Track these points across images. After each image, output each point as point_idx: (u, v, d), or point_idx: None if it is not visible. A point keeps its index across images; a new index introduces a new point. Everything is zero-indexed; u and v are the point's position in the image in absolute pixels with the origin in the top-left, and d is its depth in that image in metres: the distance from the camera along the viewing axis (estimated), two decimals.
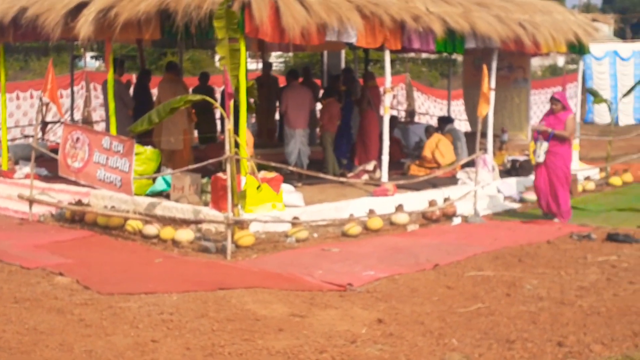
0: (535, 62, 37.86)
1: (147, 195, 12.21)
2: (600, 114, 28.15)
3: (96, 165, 11.76)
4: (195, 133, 17.39)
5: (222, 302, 7.96)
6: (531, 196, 13.50)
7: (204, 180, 11.91)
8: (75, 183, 12.48)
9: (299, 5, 11.32)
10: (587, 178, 16.17)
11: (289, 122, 14.62)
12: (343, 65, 20.23)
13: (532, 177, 13.42)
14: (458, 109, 24.02)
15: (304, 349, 6.63)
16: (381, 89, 14.38)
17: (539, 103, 25.82)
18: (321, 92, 17.51)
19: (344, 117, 15.43)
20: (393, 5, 12.48)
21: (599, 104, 21.41)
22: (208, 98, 11.13)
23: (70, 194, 12.67)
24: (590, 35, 16.48)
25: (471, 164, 13.61)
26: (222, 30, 10.44)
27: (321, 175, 12.49)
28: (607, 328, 7.20)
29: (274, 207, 11.35)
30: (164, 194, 12.24)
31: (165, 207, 11.55)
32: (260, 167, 11.46)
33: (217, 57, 29.88)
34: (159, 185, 12.34)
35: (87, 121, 20.97)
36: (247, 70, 11.60)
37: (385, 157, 12.95)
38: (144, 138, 12.95)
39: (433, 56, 31.67)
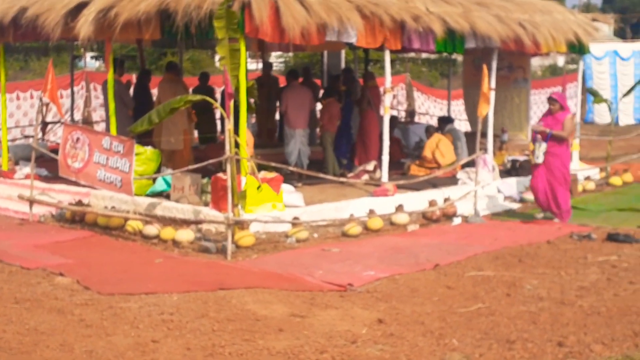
0: (535, 62, 37.87)
1: (148, 195, 12.21)
2: (601, 114, 28.15)
3: (96, 166, 11.76)
4: (196, 133, 17.39)
5: (222, 303, 7.97)
6: (531, 196, 13.48)
7: (204, 180, 11.91)
8: (76, 183, 12.48)
9: (299, 5, 11.33)
10: (587, 178, 16.18)
11: (289, 122, 14.63)
12: (343, 65, 20.23)
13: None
14: (458, 109, 24.03)
15: (304, 349, 6.63)
16: (381, 89, 14.38)
17: (539, 103, 25.81)
18: (321, 92, 17.51)
19: (344, 117, 15.44)
20: (393, 5, 12.49)
21: (599, 103, 21.42)
22: (208, 98, 11.14)
23: (70, 195, 12.67)
24: (590, 35, 16.49)
25: (471, 164, 13.62)
26: (222, 30, 10.44)
27: (321, 175, 12.50)
28: (607, 328, 7.20)
29: (274, 208, 11.36)
30: (164, 194, 12.24)
31: (166, 208, 11.56)
32: (260, 167, 11.46)
33: (217, 57, 29.90)
34: (159, 185, 12.35)
35: (87, 121, 20.97)
36: (247, 71, 11.60)
37: (386, 157, 12.96)
38: (144, 138, 12.95)
39: (433, 56, 31.68)
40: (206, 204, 11.55)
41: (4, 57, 14.88)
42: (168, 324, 7.29)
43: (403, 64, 33.04)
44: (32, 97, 21.45)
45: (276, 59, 33.83)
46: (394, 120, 17.37)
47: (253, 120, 18.59)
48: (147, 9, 11.35)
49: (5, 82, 15.04)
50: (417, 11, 12.78)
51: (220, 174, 11.14)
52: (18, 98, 21.23)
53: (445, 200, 12.80)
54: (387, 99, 13.13)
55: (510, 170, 15.55)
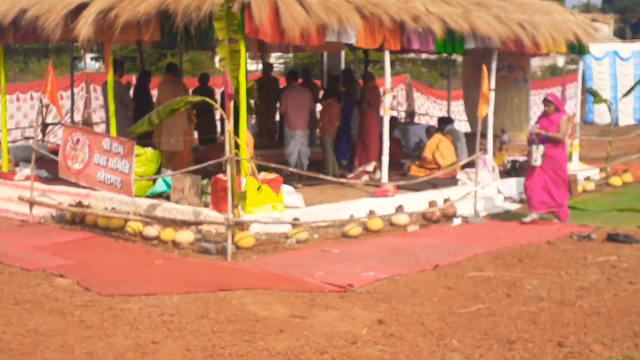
0: (535, 63, 37.87)
1: (148, 196, 12.22)
2: (600, 114, 28.16)
3: (96, 167, 11.76)
4: (195, 134, 17.40)
5: (222, 304, 7.97)
6: None
7: (204, 181, 11.92)
8: (76, 185, 12.48)
9: (299, 6, 11.34)
10: (587, 178, 16.18)
11: (289, 123, 14.63)
12: (343, 66, 20.23)
13: None
14: (458, 110, 24.04)
15: (304, 350, 6.63)
16: (381, 90, 14.39)
17: (538, 103, 25.77)
18: (321, 93, 17.52)
19: (344, 117, 15.44)
20: (392, 6, 12.49)
21: (598, 104, 21.44)
22: (208, 99, 11.14)
23: (70, 196, 12.67)
24: (590, 35, 16.49)
25: (471, 164, 13.62)
26: (222, 31, 10.45)
27: (321, 176, 12.50)
28: (607, 328, 7.21)
29: (274, 208, 11.36)
30: (164, 196, 12.25)
31: (166, 209, 11.56)
32: (260, 168, 11.47)
33: (217, 58, 29.89)
34: (159, 186, 12.35)
35: (87, 122, 20.97)
36: (246, 71, 11.61)
37: (385, 158, 12.96)
38: (144, 139, 12.94)
39: (433, 57, 31.73)
40: (206, 205, 11.55)
41: (3, 58, 14.89)
42: (168, 325, 7.29)
43: (403, 65, 33.05)
44: (32, 98, 21.44)
45: (276, 59, 33.83)
46: (393, 120, 17.37)
47: (253, 121, 18.60)
48: (146, 10, 11.35)
49: (5, 84, 15.05)
50: (417, 12, 12.79)
51: (220, 175, 11.15)
52: (18, 99, 21.23)
53: (445, 200, 12.81)
54: (386, 100, 13.14)
55: (510, 170, 15.56)
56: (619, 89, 27.49)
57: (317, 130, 16.34)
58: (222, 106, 10.62)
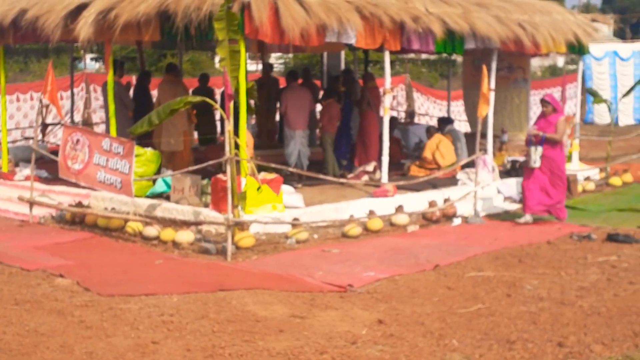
0: (535, 63, 37.88)
1: (147, 196, 12.23)
2: (600, 114, 28.16)
3: (96, 167, 11.76)
4: (195, 134, 17.40)
5: (222, 304, 7.98)
6: None
7: (204, 181, 11.93)
8: (76, 185, 12.48)
9: (299, 7, 11.34)
10: (587, 178, 16.19)
11: (289, 123, 14.63)
12: (343, 66, 20.24)
13: None
14: (458, 110, 24.04)
15: (304, 349, 6.64)
16: (381, 90, 14.39)
17: (538, 103, 25.79)
18: (321, 93, 17.53)
19: (344, 118, 15.45)
20: (392, 6, 12.50)
21: (598, 104, 21.44)
22: (208, 99, 11.15)
23: (70, 196, 12.68)
24: (589, 35, 16.50)
25: (471, 164, 13.62)
26: (222, 32, 10.45)
27: (321, 176, 12.51)
28: (607, 328, 7.22)
29: (274, 209, 11.37)
30: (164, 196, 12.25)
31: (166, 209, 11.57)
32: (260, 169, 11.48)
33: (217, 59, 29.89)
34: (159, 186, 12.36)
35: (87, 123, 20.98)
36: (246, 72, 11.61)
37: (385, 158, 12.96)
38: (144, 139, 12.94)
39: (433, 57, 31.72)
40: (206, 205, 11.56)
41: (3, 59, 14.90)
42: (168, 325, 7.29)
43: (403, 65, 33.06)
44: (32, 98, 21.45)
45: (276, 60, 33.84)
46: (393, 121, 17.37)
47: (253, 121, 18.61)
48: (146, 11, 11.35)
49: (5, 84, 15.06)
50: (417, 12, 12.79)
51: (220, 175, 11.15)
52: (18, 100, 21.25)
53: (445, 201, 12.81)
54: (386, 100, 13.14)
55: (510, 170, 15.57)
56: (618, 89, 27.50)
57: (317, 131, 16.35)
58: (222, 106, 10.63)
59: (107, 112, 13.70)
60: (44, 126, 18.61)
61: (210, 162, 11.27)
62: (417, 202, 12.79)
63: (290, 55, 31.36)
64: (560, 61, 43.40)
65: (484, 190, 13.44)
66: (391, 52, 13.02)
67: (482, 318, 7.55)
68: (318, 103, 16.68)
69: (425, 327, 7.28)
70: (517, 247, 10.70)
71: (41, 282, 8.87)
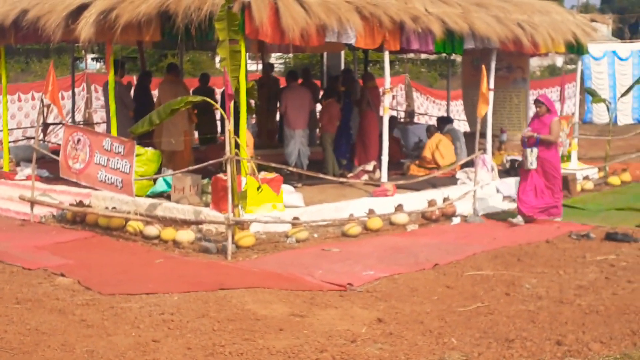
0: (534, 62, 37.87)
1: (148, 196, 12.25)
2: (599, 114, 28.16)
3: (97, 167, 11.80)
4: (196, 134, 17.42)
5: (222, 302, 8.00)
6: None
7: (205, 181, 11.95)
8: (77, 184, 12.51)
9: (299, 7, 11.37)
10: (586, 177, 16.20)
11: (289, 123, 14.66)
12: (343, 66, 20.26)
13: None
14: (457, 110, 24.06)
15: (304, 348, 6.66)
16: (380, 90, 14.41)
17: None
18: (321, 92, 17.55)
19: (344, 117, 15.47)
20: (392, 6, 12.53)
21: (597, 103, 21.47)
22: (208, 99, 11.17)
23: (71, 195, 12.70)
24: (588, 35, 16.51)
25: (470, 164, 13.65)
26: (222, 32, 10.47)
27: (321, 175, 12.54)
28: (605, 327, 7.24)
29: (274, 208, 11.39)
30: (164, 195, 12.28)
31: (166, 208, 11.59)
32: (260, 168, 11.50)
33: (217, 59, 29.89)
34: (160, 186, 12.38)
35: (88, 123, 21.01)
36: (247, 72, 11.63)
37: (385, 158, 12.99)
38: (145, 139, 12.97)
39: (432, 57, 31.73)
40: (206, 205, 11.58)
41: (5, 59, 14.93)
42: (169, 323, 7.32)
43: (402, 65, 33.11)
44: (33, 98, 21.49)
45: (276, 60, 33.85)
46: (393, 120, 17.42)
47: (253, 121, 18.62)
48: (147, 11, 11.37)
49: (6, 84, 15.09)
50: (416, 12, 12.82)
51: (220, 175, 11.18)
52: (19, 99, 21.29)
53: (445, 200, 12.85)
54: (386, 100, 13.17)
55: (509, 170, 15.58)
56: (617, 89, 27.51)
57: (317, 130, 16.37)
58: (223, 106, 10.65)
59: (107, 112, 13.73)
60: (45, 126, 18.63)
61: (211, 162, 11.29)
62: (416, 201, 12.82)
63: (291, 55, 31.37)
64: (559, 61, 43.41)
65: (483, 189, 13.47)
66: (391, 52, 13.04)
67: (481, 317, 7.58)
68: (318, 103, 16.71)
69: (425, 326, 7.30)
70: (516, 246, 10.72)
71: (42, 281, 8.90)
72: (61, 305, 7.92)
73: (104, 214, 11.64)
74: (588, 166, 17.25)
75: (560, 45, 15.58)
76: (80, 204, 12.18)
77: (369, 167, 14.53)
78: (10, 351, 6.60)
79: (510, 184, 14.35)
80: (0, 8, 13.54)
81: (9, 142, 15.41)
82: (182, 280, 8.84)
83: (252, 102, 12.39)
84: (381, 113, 13.55)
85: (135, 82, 17.94)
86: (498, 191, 14.12)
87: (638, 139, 21.20)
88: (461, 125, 21.19)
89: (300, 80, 16.47)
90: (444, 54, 18.56)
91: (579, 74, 18.10)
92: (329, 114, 14.96)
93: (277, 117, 18.14)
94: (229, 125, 10.34)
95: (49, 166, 14.27)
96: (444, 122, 16.18)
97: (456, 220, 12.53)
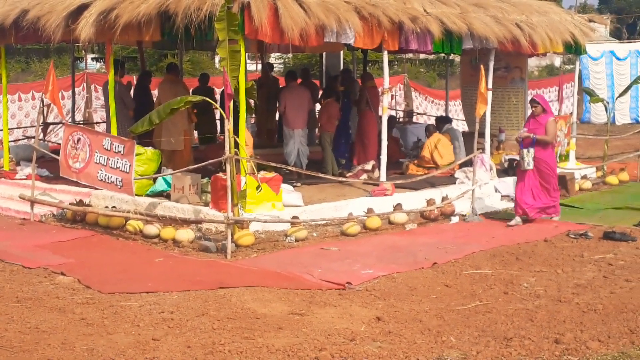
0: (532, 62, 37.93)
1: (148, 195, 12.27)
2: (597, 114, 28.17)
3: (97, 166, 11.83)
4: (195, 134, 17.44)
5: (222, 301, 8.03)
6: None
7: (204, 180, 11.98)
8: (77, 183, 12.55)
9: (298, 7, 11.39)
10: (584, 177, 16.24)
11: (288, 123, 14.67)
12: (342, 66, 20.28)
13: None
14: (455, 109, 24.09)
15: (303, 346, 6.69)
16: (379, 89, 14.44)
17: None
18: (320, 92, 17.57)
19: (343, 117, 15.50)
20: (391, 7, 12.55)
21: (595, 103, 21.49)
22: (208, 99, 11.20)
23: (71, 195, 12.73)
24: (586, 35, 16.55)
25: (469, 163, 13.68)
26: (222, 32, 10.48)
27: (320, 175, 12.56)
28: (603, 325, 7.27)
29: (274, 207, 11.42)
30: (164, 194, 12.29)
31: (166, 207, 11.62)
32: (259, 167, 11.52)
33: (217, 59, 29.90)
34: (160, 185, 12.40)
35: (88, 122, 21.03)
36: (246, 71, 11.64)
37: (384, 157, 13.02)
38: (145, 139, 12.99)
39: (431, 57, 31.78)
40: (206, 204, 11.61)
41: (5, 58, 14.95)
42: (168, 322, 7.34)
43: (401, 65, 33.12)
44: (33, 98, 21.52)
45: (275, 60, 33.86)
46: (392, 120, 17.47)
47: (253, 120, 18.65)
48: (147, 11, 11.39)
49: (7, 84, 15.11)
50: (415, 12, 12.85)
51: (220, 174, 11.20)
52: (20, 99, 21.32)
53: (443, 199, 12.88)
54: (385, 99, 13.20)
55: (508, 169, 15.59)
56: (615, 89, 27.51)
57: (316, 130, 16.40)
58: (222, 106, 10.68)
59: (107, 112, 13.75)
60: (45, 125, 18.67)
61: (210, 161, 11.31)
62: (415, 200, 12.86)
63: (290, 55, 31.36)
64: (558, 61, 43.41)
65: (481, 188, 13.50)
66: (389, 52, 13.07)
67: (480, 315, 7.61)
68: (317, 102, 16.73)
69: (423, 324, 7.33)
70: (514, 245, 10.75)
71: (42, 280, 8.93)
72: (61, 304, 7.95)
73: (104, 213, 11.66)
74: (586, 166, 17.28)
75: (558, 45, 15.61)
76: (80, 203, 12.20)
77: (368, 166, 14.56)
78: (11, 349, 6.62)
79: (509, 183, 14.38)
80: (0, 8, 13.57)
81: (9, 141, 15.42)
82: (181, 279, 8.86)
83: (252, 101, 12.41)
84: (380, 113, 13.57)
85: (135, 81, 17.97)
86: (496, 190, 14.16)
87: (636, 138, 21.20)
88: (460, 125, 21.23)
89: (299, 80, 16.48)
90: (443, 54, 18.60)
91: (577, 73, 18.13)
92: (328, 114, 14.99)
93: (277, 117, 18.15)
94: (229, 125, 10.35)
95: (49, 165, 14.30)
96: (443, 121, 16.20)
97: (455, 220, 12.56)
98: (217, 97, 18.43)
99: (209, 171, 12.19)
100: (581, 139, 19.83)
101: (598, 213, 13.17)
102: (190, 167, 11.83)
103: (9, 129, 15.41)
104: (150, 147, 12.71)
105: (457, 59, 23.73)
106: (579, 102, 19.45)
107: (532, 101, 12.32)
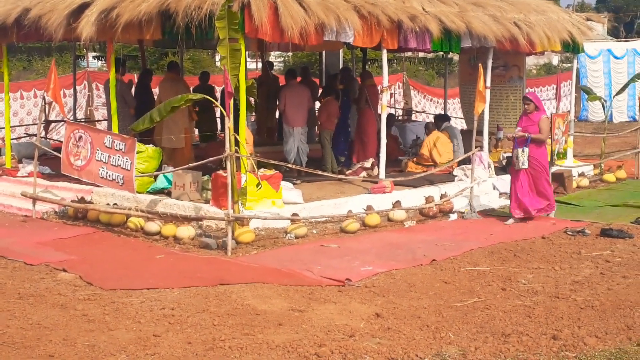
0: (530, 61, 37.90)
1: (149, 192, 12.30)
2: (594, 112, 28.24)
3: (98, 163, 11.87)
4: (196, 131, 17.48)
5: (222, 297, 8.06)
6: None
7: (205, 177, 12.00)
8: (78, 181, 12.58)
9: (298, 6, 11.42)
10: (581, 174, 16.29)
11: (288, 121, 14.71)
12: (341, 64, 20.30)
13: None
14: (454, 107, 24.14)
15: (303, 342, 6.72)
16: (378, 88, 14.47)
17: None
18: (320, 90, 17.61)
19: (342, 115, 15.54)
20: (390, 5, 12.59)
21: (593, 101, 21.55)
22: (208, 97, 11.23)
23: (73, 192, 12.75)
24: (584, 34, 16.57)
25: (467, 161, 13.73)
26: (222, 31, 10.52)
27: (320, 172, 12.60)
28: (601, 322, 7.32)
29: (274, 204, 11.46)
30: (165, 192, 12.32)
31: (167, 204, 11.64)
32: (259, 165, 11.55)
33: (217, 57, 29.91)
34: (161, 182, 12.43)
35: (90, 120, 21.07)
36: (246, 70, 11.68)
37: (383, 155, 13.06)
38: (146, 136, 13.05)
39: (430, 55, 31.82)
40: (207, 201, 11.64)
41: (7, 57, 14.97)
42: (169, 318, 7.38)
43: (400, 63, 33.15)
44: (35, 96, 21.54)
45: (275, 58, 33.86)
46: (391, 118, 17.51)
47: (253, 118, 18.68)
48: (148, 10, 11.41)
49: (9, 82, 15.13)
50: (414, 11, 12.89)
51: (220, 172, 11.23)
52: (22, 97, 21.35)
53: (442, 196, 12.93)
54: (384, 98, 13.24)
55: (506, 167, 15.61)
56: (612, 87, 27.56)
57: (316, 128, 16.43)
58: (223, 104, 10.71)
59: (109, 110, 13.79)
60: (47, 123, 18.72)
61: (211, 159, 11.33)
62: (414, 197, 12.90)
63: (290, 53, 31.38)
64: (555, 59, 43.42)
65: (479, 186, 13.56)
66: (389, 51, 13.12)
67: (478, 311, 7.65)
68: (317, 101, 16.76)
69: (422, 321, 7.36)
70: (512, 242, 10.78)
71: (44, 276, 8.95)
72: (63, 301, 7.98)
73: (105, 210, 11.68)
74: (583, 163, 17.32)
75: (556, 43, 15.64)
76: (81, 200, 12.22)
77: (367, 164, 14.60)
78: (13, 345, 6.65)
79: (507, 181, 14.37)
80: (2, 7, 13.59)
81: (12, 139, 15.45)
82: (182, 276, 8.89)
83: (252, 100, 12.44)
84: (379, 111, 13.62)
85: (136, 80, 18.01)
86: (495, 188, 14.21)
87: (633, 136, 21.19)
88: (458, 122, 21.26)
89: (299, 79, 16.51)
90: (442, 53, 18.63)
91: (575, 72, 18.15)
92: (327, 112, 15.03)
93: (277, 115, 18.18)
94: (229, 123, 10.38)
95: (51, 163, 14.33)
96: (442, 119, 16.23)
97: (453, 217, 12.61)
98: (218, 95, 18.46)
99: (210, 169, 12.22)
100: (579, 136, 19.88)
101: (595, 210, 13.21)
102: (191, 165, 11.87)
103: (11, 126, 15.42)
104: (151, 145, 12.75)
105: (456, 57, 23.73)
106: (576, 100, 19.50)
107: (525, 99, 12.34)
